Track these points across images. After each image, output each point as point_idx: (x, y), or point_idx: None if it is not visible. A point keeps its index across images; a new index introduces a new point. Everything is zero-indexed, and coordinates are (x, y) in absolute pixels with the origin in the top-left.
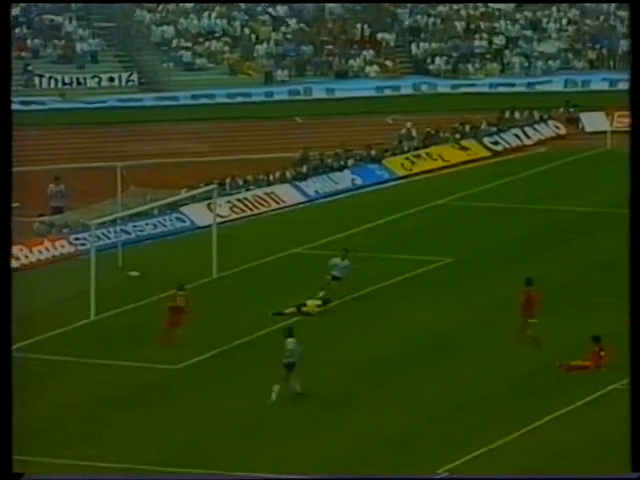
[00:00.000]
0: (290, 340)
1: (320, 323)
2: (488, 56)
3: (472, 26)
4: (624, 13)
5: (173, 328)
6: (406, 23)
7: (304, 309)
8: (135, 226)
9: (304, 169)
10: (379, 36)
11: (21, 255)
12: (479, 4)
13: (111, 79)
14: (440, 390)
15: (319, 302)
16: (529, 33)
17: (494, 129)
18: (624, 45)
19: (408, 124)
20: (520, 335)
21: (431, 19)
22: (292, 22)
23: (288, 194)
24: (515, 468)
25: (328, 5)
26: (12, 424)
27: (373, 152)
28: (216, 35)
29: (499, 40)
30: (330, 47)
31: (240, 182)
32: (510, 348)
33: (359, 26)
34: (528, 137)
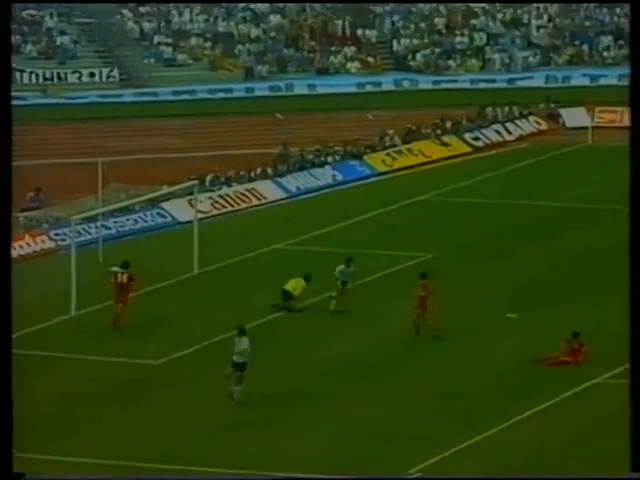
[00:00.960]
0: (245, 339)
1: (301, 319)
2: (469, 52)
3: (452, 23)
4: (605, 10)
5: (118, 304)
6: (387, 20)
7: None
8: (116, 222)
9: (285, 165)
10: (360, 32)
11: None
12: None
13: (92, 75)
14: (419, 386)
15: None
16: (510, 30)
17: (475, 125)
18: (605, 41)
19: (390, 131)
20: (420, 328)
21: (412, 16)
22: (273, 18)
23: (269, 190)
24: (494, 464)
25: None
26: (12, 425)
27: (354, 148)
28: (197, 31)
29: (480, 37)
30: (312, 44)
31: (221, 178)
32: (490, 343)
33: (340, 23)
34: (509, 133)
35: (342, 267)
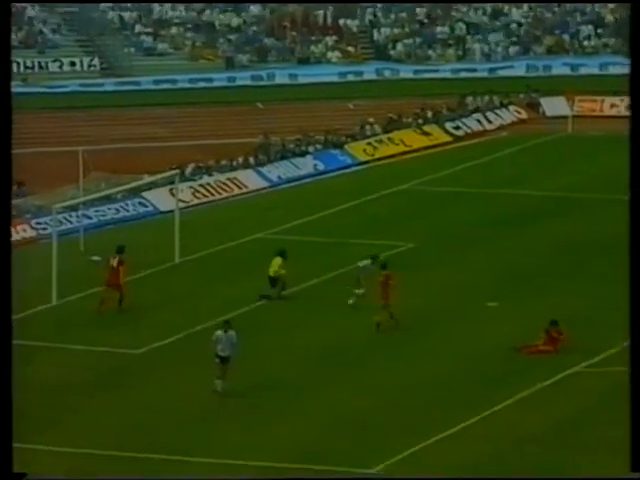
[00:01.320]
0: (232, 333)
1: (281, 309)
2: (450, 42)
3: (433, 13)
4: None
5: (107, 288)
6: (368, 10)
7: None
8: (97, 211)
9: (266, 154)
10: (341, 22)
11: None
12: None
13: (73, 64)
14: (399, 375)
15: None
16: (490, 19)
17: (456, 114)
18: (585, 30)
19: (371, 120)
20: (381, 321)
21: (393, 6)
22: (254, 8)
23: (251, 179)
24: (474, 453)
25: None
26: (12, 425)
27: (335, 137)
28: (177, 21)
29: (460, 26)
30: (292, 33)
31: (203, 167)
32: (471, 332)
33: (321, 12)
34: (489, 122)
35: (367, 262)
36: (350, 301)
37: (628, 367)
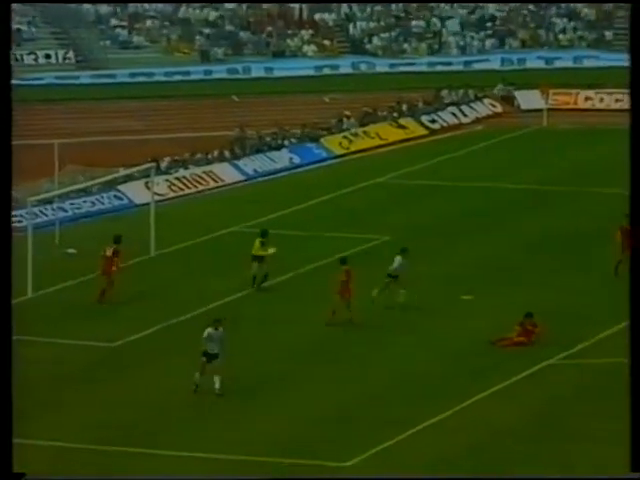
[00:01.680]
0: (222, 330)
1: (257, 302)
2: (425, 35)
3: (409, 7)
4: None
5: (102, 276)
6: (344, 4)
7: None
8: (72, 204)
9: (242, 148)
10: (317, 16)
11: None
12: None
13: (48, 56)
14: (376, 368)
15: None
16: (466, 12)
17: (431, 107)
18: (560, 24)
19: (347, 113)
20: (336, 314)
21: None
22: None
23: (226, 173)
24: (451, 446)
25: None
26: (12, 425)
27: (311, 131)
28: (152, 14)
29: (436, 20)
30: (269, 28)
31: (178, 160)
32: (446, 325)
33: (297, 6)
34: (465, 115)
35: (398, 259)
36: (401, 299)
37: (628, 366)
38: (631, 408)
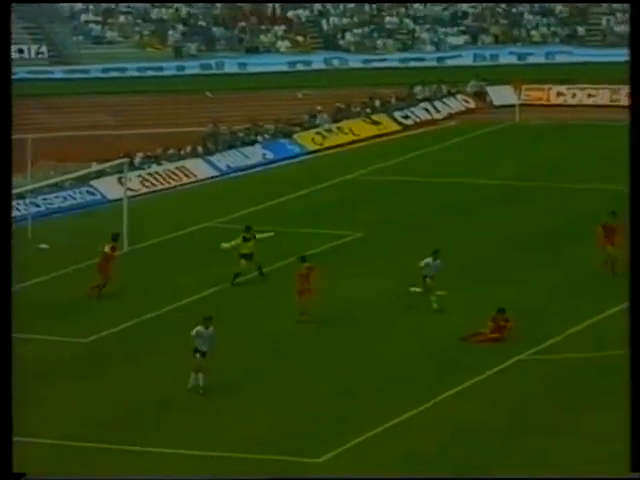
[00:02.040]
0: (212, 329)
1: (232, 297)
2: (398, 31)
3: (382, 3)
4: None
5: (99, 272)
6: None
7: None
8: (45, 199)
9: (215, 143)
10: (290, 12)
11: None
12: None
13: (20, 51)
14: (348, 364)
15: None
16: (439, 9)
17: (404, 103)
18: (532, 20)
19: (320, 109)
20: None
21: None
22: None
23: (199, 168)
24: (423, 441)
25: None
26: (12, 426)
27: (284, 127)
28: (125, 9)
29: (409, 16)
30: (242, 24)
31: (151, 156)
32: (419, 320)
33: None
34: (438, 111)
35: (429, 260)
36: (434, 305)
37: (629, 368)
38: (631, 408)
